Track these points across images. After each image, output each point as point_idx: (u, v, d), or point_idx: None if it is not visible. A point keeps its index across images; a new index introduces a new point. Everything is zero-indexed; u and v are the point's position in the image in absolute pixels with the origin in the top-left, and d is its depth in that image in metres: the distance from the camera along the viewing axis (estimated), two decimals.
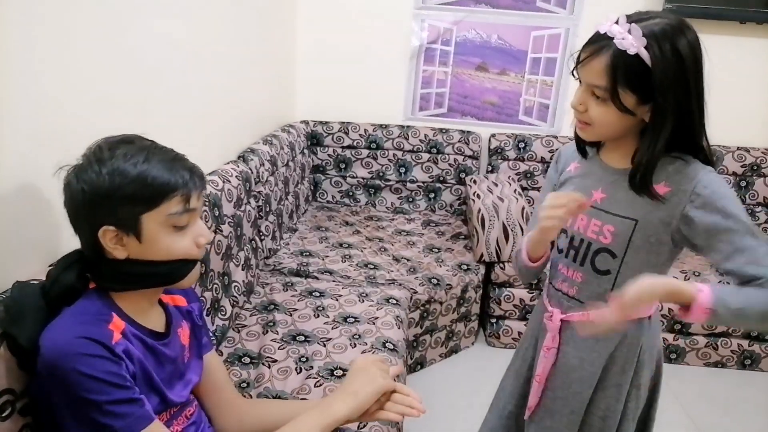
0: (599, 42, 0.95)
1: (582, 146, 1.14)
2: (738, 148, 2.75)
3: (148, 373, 0.88)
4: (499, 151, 2.85)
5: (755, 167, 2.74)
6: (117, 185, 0.81)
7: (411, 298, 2.07)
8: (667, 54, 0.91)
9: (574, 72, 1.02)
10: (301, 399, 1.41)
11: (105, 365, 0.78)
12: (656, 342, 1.18)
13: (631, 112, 0.95)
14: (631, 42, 0.91)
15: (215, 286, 1.60)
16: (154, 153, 0.85)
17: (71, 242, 1.15)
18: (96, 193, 0.82)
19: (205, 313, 1.21)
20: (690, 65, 0.93)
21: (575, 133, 1.13)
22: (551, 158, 2.80)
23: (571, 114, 1.08)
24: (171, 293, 1.05)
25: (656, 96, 0.93)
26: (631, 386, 1.16)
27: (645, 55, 0.91)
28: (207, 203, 1.56)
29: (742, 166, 2.74)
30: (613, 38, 0.92)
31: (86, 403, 0.77)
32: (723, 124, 2.76)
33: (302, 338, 1.68)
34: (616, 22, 0.94)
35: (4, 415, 0.86)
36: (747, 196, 2.77)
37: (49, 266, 1.06)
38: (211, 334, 1.15)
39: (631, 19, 0.94)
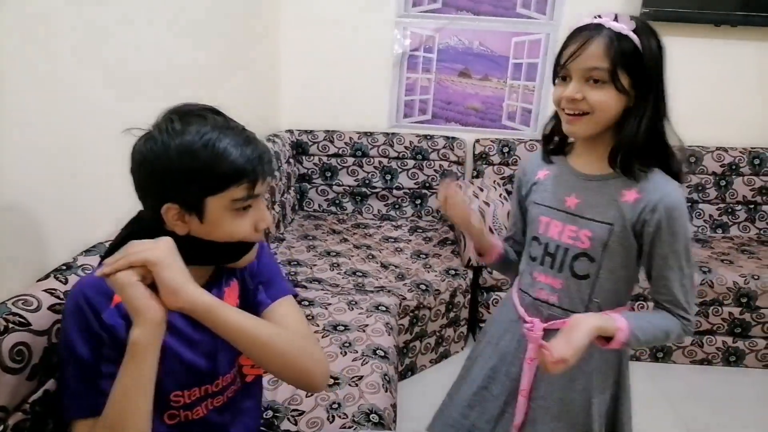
0: (588, 31, 0.99)
1: (548, 151, 1.18)
2: (717, 148, 2.80)
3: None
4: (483, 156, 2.88)
5: (734, 167, 2.80)
6: (186, 166, 0.80)
7: (400, 305, 2.08)
8: (651, 42, 0.98)
9: (561, 70, 1.03)
10: (293, 410, 1.41)
11: (80, 334, 0.82)
12: None
13: (627, 93, 0.98)
14: (623, 26, 0.97)
15: None
16: (226, 134, 0.83)
17: (53, 259, 1.14)
18: (163, 170, 0.81)
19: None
20: (664, 56, 1.01)
21: (544, 137, 1.17)
22: None
23: None
24: None
25: (644, 78, 0.98)
26: (620, 390, 1.17)
27: (635, 38, 0.96)
28: None
29: (721, 166, 2.80)
30: (601, 27, 0.97)
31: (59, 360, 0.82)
32: (701, 125, 2.83)
33: None
34: (596, 18, 1.00)
35: None
36: (726, 195, 2.82)
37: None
38: (285, 284, 1.04)
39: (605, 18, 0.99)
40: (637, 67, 0.97)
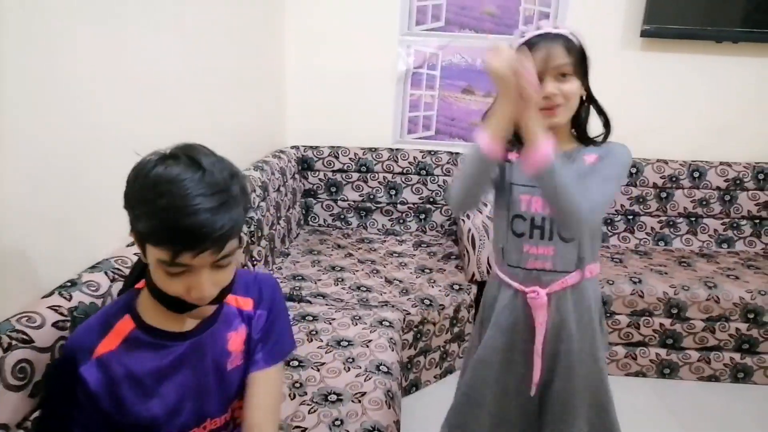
0: (546, 40, 1.17)
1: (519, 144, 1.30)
2: (720, 163, 2.80)
3: (141, 381, 0.89)
4: None
5: (738, 182, 2.79)
6: (138, 197, 0.79)
7: (404, 320, 2.08)
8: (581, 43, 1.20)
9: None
10: (295, 427, 1.41)
11: (56, 383, 0.88)
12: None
13: (585, 82, 1.20)
14: (566, 31, 1.18)
15: None
16: (188, 192, 0.76)
17: (58, 275, 1.16)
18: (130, 191, 0.82)
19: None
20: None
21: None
22: None
23: None
24: (237, 294, 0.98)
25: (587, 71, 1.21)
26: (600, 326, 1.36)
27: (576, 40, 1.19)
28: None
29: (725, 181, 2.79)
30: (551, 34, 1.18)
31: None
32: (704, 140, 2.83)
33: (296, 363, 1.67)
34: (539, 29, 1.20)
35: None
36: (731, 210, 2.81)
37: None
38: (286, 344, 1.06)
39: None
40: (583, 61, 1.20)
